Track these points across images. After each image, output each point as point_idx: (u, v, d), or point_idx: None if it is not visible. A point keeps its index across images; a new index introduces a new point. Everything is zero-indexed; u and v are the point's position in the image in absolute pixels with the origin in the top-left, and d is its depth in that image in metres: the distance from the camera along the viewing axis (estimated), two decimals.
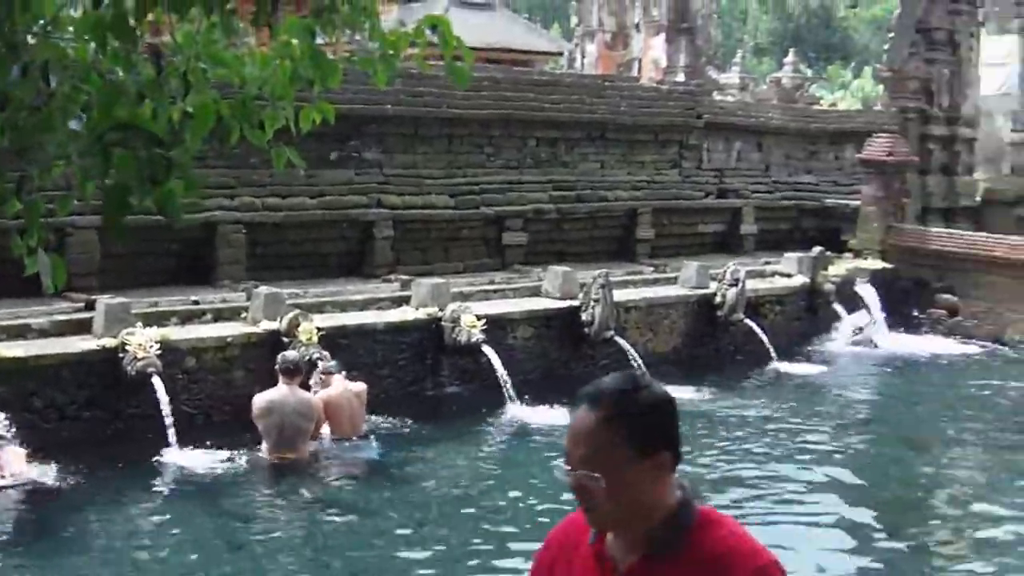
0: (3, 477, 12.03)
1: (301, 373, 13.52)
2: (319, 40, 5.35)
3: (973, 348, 21.91)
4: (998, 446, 15.81)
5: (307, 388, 13.73)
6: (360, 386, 14.23)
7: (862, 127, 27.48)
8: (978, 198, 29.32)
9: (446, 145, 20.73)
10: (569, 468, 3.22)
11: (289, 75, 5.44)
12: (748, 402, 17.46)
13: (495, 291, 18.17)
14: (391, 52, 5.54)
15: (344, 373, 14.16)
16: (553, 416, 15.60)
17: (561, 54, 43.11)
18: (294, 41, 5.44)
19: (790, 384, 18.78)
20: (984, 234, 24.78)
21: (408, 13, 33.77)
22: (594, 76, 28.44)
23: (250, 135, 5.30)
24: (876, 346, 21.29)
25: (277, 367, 13.37)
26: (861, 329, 21.35)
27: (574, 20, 42.62)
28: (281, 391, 13.21)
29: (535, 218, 21.25)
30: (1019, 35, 31.97)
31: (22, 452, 12.32)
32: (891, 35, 29.06)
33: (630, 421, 3.18)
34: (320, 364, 14.20)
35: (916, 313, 23.24)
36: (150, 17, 4.74)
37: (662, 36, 35.95)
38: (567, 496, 10.71)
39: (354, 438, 13.98)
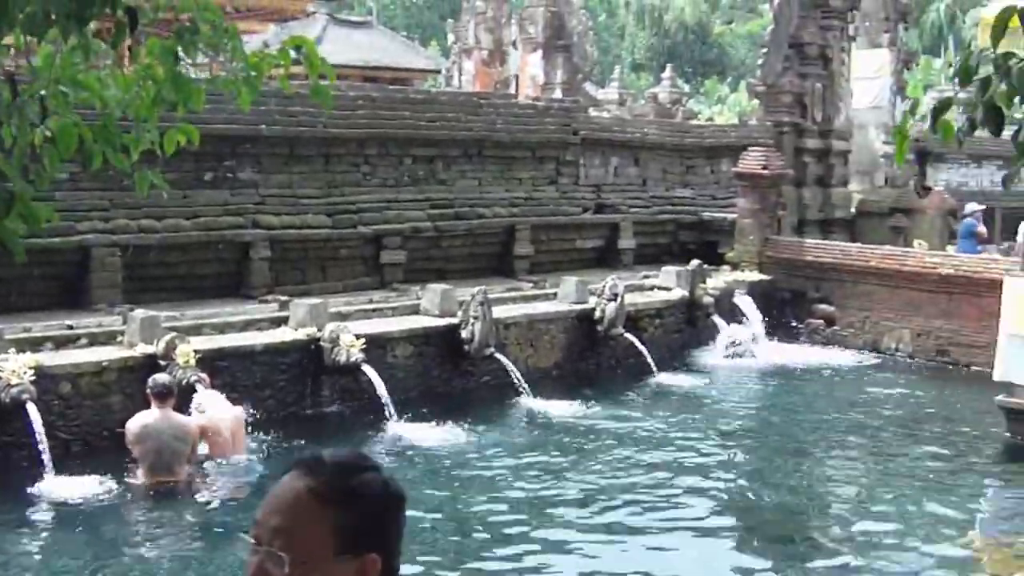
0: None
1: (173, 395, 13.36)
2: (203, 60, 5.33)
3: (850, 357, 22.23)
4: (876, 453, 16.08)
5: (184, 411, 13.60)
6: (238, 409, 14.12)
7: (737, 141, 27.76)
8: (853, 209, 29.77)
9: (322, 164, 20.65)
10: (255, 542, 2.59)
11: (152, 97, 5.40)
12: (630, 415, 17.56)
13: (374, 310, 18.11)
14: (254, 74, 5.52)
15: (223, 396, 14.06)
16: (435, 434, 15.63)
17: (439, 72, 43.18)
18: (156, 63, 5.40)
19: (671, 396, 18.92)
20: (859, 244, 25.17)
21: (286, 32, 33.62)
22: (470, 93, 28.47)
23: (113, 158, 5.25)
24: (755, 357, 21.51)
25: (149, 390, 13.23)
26: (738, 343, 21.54)
27: (451, 38, 42.65)
28: (154, 415, 13.07)
29: (413, 236, 21.21)
30: (889, 49, 32.54)
31: None
32: (764, 50, 29.42)
33: (344, 503, 2.62)
34: (199, 387, 14.08)
35: (794, 323, 23.54)
36: (7, 40, 4.68)
37: (539, 53, 36.11)
38: (445, 511, 10.65)
39: (234, 460, 13.86)
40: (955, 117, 4.50)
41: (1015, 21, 4.19)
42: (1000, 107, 4.22)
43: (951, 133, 4.43)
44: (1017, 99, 4.22)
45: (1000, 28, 4.16)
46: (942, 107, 4.43)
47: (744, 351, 21.49)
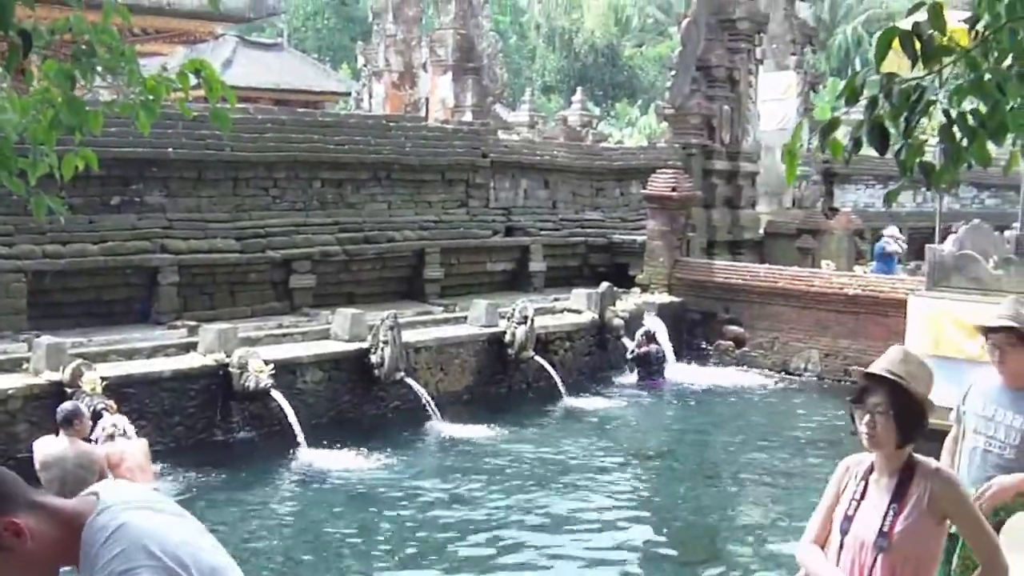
0: None
1: (80, 423, 13.15)
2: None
3: (760, 378, 22.37)
4: (785, 473, 16.16)
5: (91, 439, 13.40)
6: (141, 440, 13.93)
7: (647, 163, 27.91)
8: (761, 231, 30.04)
9: (231, 188, 20.52)
10: None
11: (49, 121, 5.32)
12: (541, 438, 17.57)
13: (283, 335, 17.99)
14: (152, 98, 5.46)
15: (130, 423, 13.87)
16: (345, 459, 15.55)
17: (349, 94, 43.09)
18: (53, 86, 5.32)
19: (582, 419, 18.94)
20: (767, 265, 25.37)
21: (196, 54, 33.31)
22: (379, 116, 28.41)
23: (9, 183, 5.17)
24: (665, 379, 21.57)
25: (57, 419, 13.04)
26: (650, 362, 21.58)
27: (361, 60, 42.56)
28: (61, 443, 12.84)
29: (322, 260, 21.12)
30: (796, 71, 32.90)
31: None
32: (672, 73, 29.61)
33: None
34: (105, 415, 13.88)
35: (704, 345, 23.68)
36: None
37: (449, 76, 36.18)
38: (356, 536, 10.59)
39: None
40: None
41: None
42: (885, 126, 4.26)
43: (839, 152, 4.48)
44: (901, 119, 4.27)
45: (883, 49, 4.20)
46: (830, 127, 4.48)
47: (655, 373, 21.52)
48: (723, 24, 29.50)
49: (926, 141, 4.58)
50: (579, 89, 50.56)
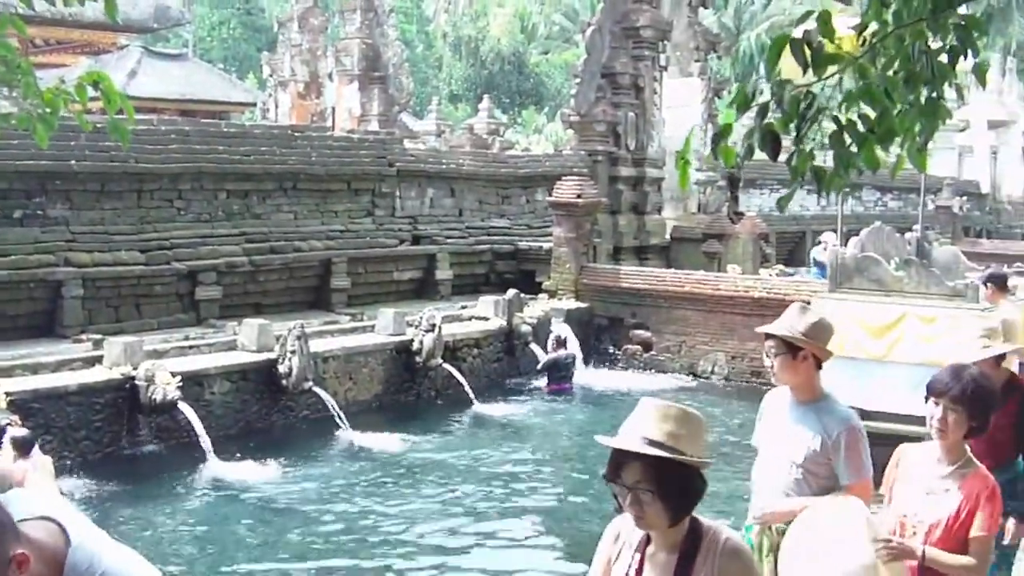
0: None
1: None
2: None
3: (668, 381, 22.53)
4: None
5: None
6: (45, 459, 13.79)
7: (552, 170, 28.00)
8: (667, 236, 30.27)
9: (135, 200, 20.34)
10: None
11: None
12: (450, 445, 17.60)
13: (190, 347, 17.86)
14: (49, 111, 5.44)
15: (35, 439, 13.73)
16: (254, 470, 15.50)
17: (255, 104, 42.86)
18: None
19: (491, 425, 19.01)
20: (673, 270, 25.60)
21: (100, 66, 33.09)
22: (284, 126, 28.33)
23: None
24: (573, 384, 21.67)
25: None
26: (559, 367, 21.66)
27: (267, 70, 42.38)
28: None
29: (228, 271, 21.00)
30: (700, 78, 33.19)
31: None
32: (578, 80, 29.77)
33: None
34: (9, 430, 13.73)
35: (612, 349, 23.82)
36: None
37: (355, 85, 36.14)
38: (265, 547, 10.56)
39: None
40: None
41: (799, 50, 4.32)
42: (776, 133, 4.34)
43: (731, 158, 4.55)
44: (792, 125, 4.34)
45: (774, 57, 4.28)
46: (722, 133, 4.54)
47: (563, 378, 21.61)
48: (627, 32, 29.73)
49: (815, 147, 4.66)
50: (486, 97, 50.68)
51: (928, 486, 5.76)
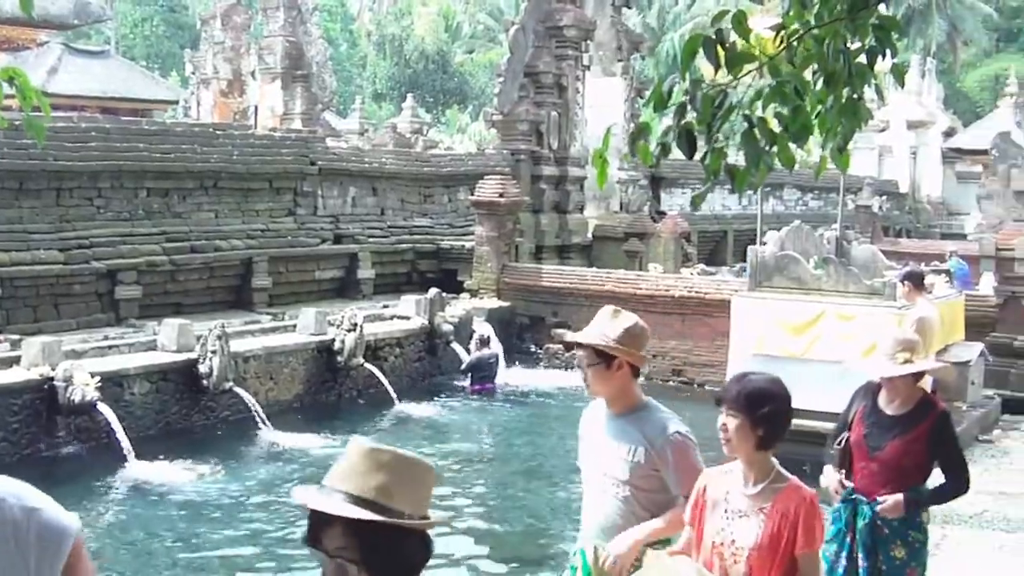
0: None
1: None
2: None
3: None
4: None
5: None
6: None
7: (475, 169, 28.04)
8: (589, 235, 30.37)
9: (54, 199, 20.12)
10: None
11: None
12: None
13: (109, 347, 17.67)
14: None
15: None
16: (174, 471, 15.38)
17: (177, 102, 42.59)
18: None
19: (413, 425, 18.99)
20: (595, 269, 25.69)
21: (19, 62, 32.73)
22: (206, 125, 28.16)
23: None
24: (496, 384, 21.66)
25: None
26: (482, 367, 21.65)
27: (190, 68, 42.16)
28: None
29: (148, 270, 20.81)
30: (623, 78, 33.33)
31: None
32: (501, 79, 29.81)
33: None
34: None
35: (534, 348, 23.87)
36: None
37: (278, 83, 35.98)
38: (185, 548, 10.47)
39: None
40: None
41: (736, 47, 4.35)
42: (692, 131, 4.36)
43: (648, 157, 4.56)
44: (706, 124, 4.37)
45: (688, 56, 4.30)
46: (638, 132, 4.56)
47: (486, 377, 21.61)
48: (551, 31, 29.81)
49: (729, 146, 4.68)
50: (409, 96, 50.74)
51: (739, 508, 5.25)
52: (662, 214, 32.17)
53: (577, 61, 30.82)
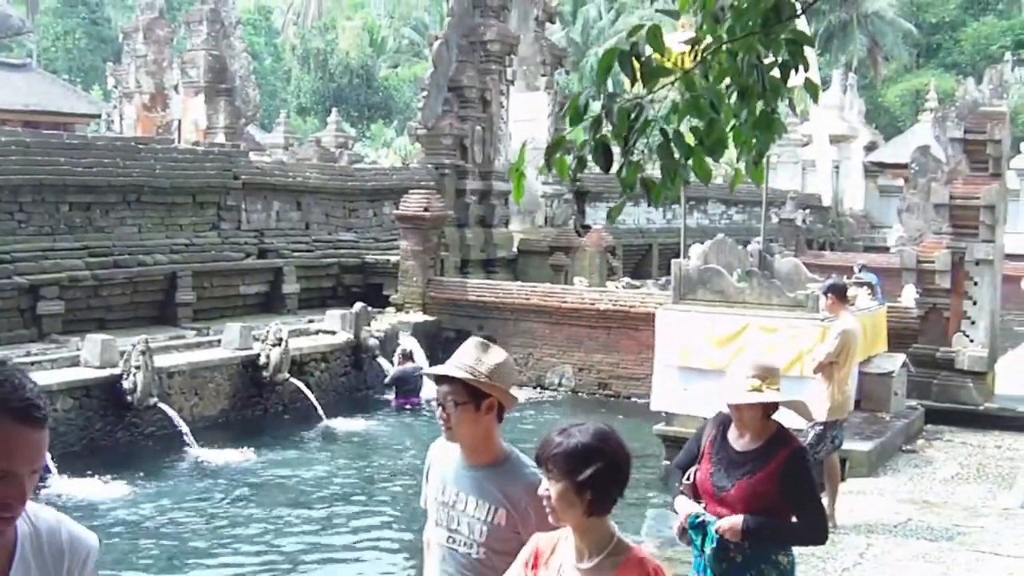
0: None
1: None
2: None
3: (516, 393, 22.57)
4: None
5: None
6: None
7: (400, 183, 28.07)
8: (515, 249, 30.45)
9: None
10: None
11: None
12: (298, 460, 17.54)
13: (32, 363, 17.49)
14: None
15: None
16: (98, 489, 15.27)
17: (99, 116, 42.33)
18: None
19: (339, 439, 19.00)
20: (520, 283, 25.76)
21: None
22: (128, 138, 28.00)
23: None
24: (421, 398, 21.61)
25: None
26: (407, 381, 21.61)
27: (112, 81, 41.86)
28: None
29: (71, 285, 20.65)
30: (547, 92, 33.44)
31: None
32: (424, 94, 29.84)
33: None
34: None
35: None
36: None
37: (201, 97, 35.81)
38: (113, 570, 10.38)
39: None
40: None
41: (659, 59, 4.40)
42: (608, 145, 4.39)
43: (565, 170, 4.58)
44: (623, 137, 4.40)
45: (604, 70, 4.35)
46: (554, 146, 4.59)
47: (411, 391, 21.58)
48: (474, 45, 29.90)
49: (645, 159, 4.72)
50: (334, 110, 50.71)
51: None
52: (587, 228, 32.30)
53: (501, 75, 30.92)
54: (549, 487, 4.18)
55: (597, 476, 4.12)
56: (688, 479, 6.66)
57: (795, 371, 14.96)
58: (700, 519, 6.42)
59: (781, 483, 6.24)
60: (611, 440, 4.23)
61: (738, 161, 5.02)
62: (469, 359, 4.94)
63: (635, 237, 37.66)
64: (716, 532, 6.29)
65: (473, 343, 5.04)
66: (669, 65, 4.58)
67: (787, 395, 6.58)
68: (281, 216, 26.04)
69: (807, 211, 46.58)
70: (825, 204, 51.32)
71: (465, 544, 4.97)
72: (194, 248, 23.43)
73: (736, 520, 6.24)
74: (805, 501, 6.37)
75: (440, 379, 4.98)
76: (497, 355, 5.02)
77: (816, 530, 6.46)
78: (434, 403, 5.12)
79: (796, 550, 6.64)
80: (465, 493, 4.98)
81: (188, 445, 17.37)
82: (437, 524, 5.12)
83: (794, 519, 6.36)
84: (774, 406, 6.42)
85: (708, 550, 6.34)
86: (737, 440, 6.44)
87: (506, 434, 5.14)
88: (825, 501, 11.25)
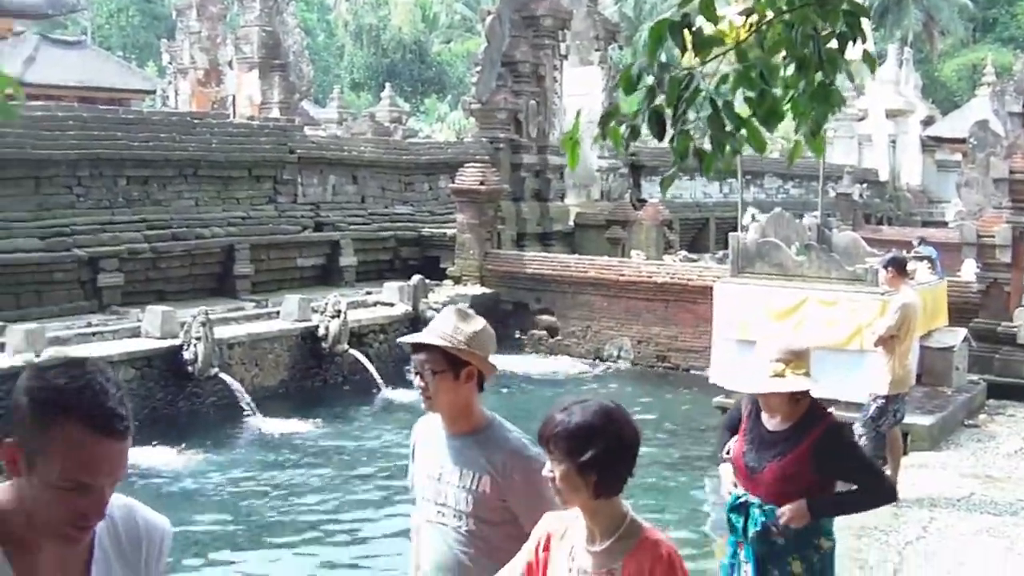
0: None
1: None
2: None
3: (574, 366, 22.65)
4: None
5: None
6: None
7: (455, 158, 28.09)
8: (571, 222, 30.38)
9: (33, 187, 20.12)
10: None
11: None
12: (358, 430, 17.64)
13: (93, 334, 17.67)
14: None
15: None
16: (160, 457, 15.34)
17: (154, 92, 42.48)
18: None
19: (399, 410, 18.99)
20: (577, 256, 25.70)
21: None
22: (184, 113, 28.13)
23: None
24: None
25: None
26: None
27: (167, 58, 41.98)
28: None
29: (130, 258, 20.84)
30: (600, 67, 33.32)
31: None
32: (478, 68, 29.79)
33: None
34: None
35: (518, 335, 23.87)
36: None
37: (255, 73, 35.85)
38: (179, 538, 10.44)
39: None
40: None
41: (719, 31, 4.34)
42: (662, 114, 4.33)
43: (619, 140, 4.53)
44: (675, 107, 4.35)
45: (655, 40, 4.28)
46: (608, 116, 4.53)
47: None
48: (527, 20, 29.84)
49: (696, 129, 4.66)
50: (388, 85, 50.64)
51: (584, 568, 4.04)
52: (642, 202, 32.17)
53: (554, 50, 30.86)
54: (552, 468, 3.97)
55: (601, 457, 3.89)
56: (727, 452, 6.59)
57: (854, 345, 14.90)
58: (741, 500, 6.29)
59: (816, 462, 6.10)
60: (616, 417, 4.00)
61: (796, 133, 4.97)
62: (447, 327, 4.79)
63: (692, 211, 37.54)
64: (782, 523, 6.11)
65: (451, 311, 4.91)
66: (720, 35, 4.54)
67: (809, 381, 6.22)
68: (337, 190, 26.11)
69: (864, 185, 46.18)
70: (882, 179, 50.91)
71: (454, 516, 4.83)
72: (251, 221, 23.55)
73: (799, 506, 6.08)
74: (855, 470, 6.26)
75: (417, 347, 4.82)
76: (476, 323, 4.87)
77: (881, 491, 6.39)
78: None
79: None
80: (450, 464, 4.85)
81: (248, 415, 17.47)
82: (424, 500, 4.98)
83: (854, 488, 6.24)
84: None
85: (752, 533, 6.18)
86: (769, 419, 6.30)
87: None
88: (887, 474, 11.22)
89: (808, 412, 6.20)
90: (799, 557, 6.17)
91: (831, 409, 6.45)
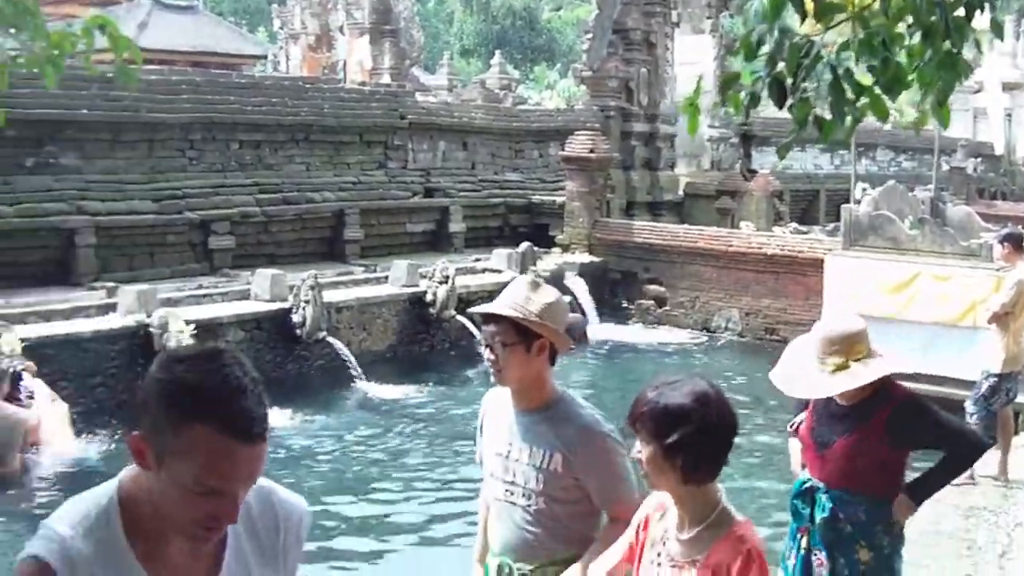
0: None
1: (2, 385, 13.02)
2: None
3: (682, 336, 22.56)
4: None
5: (14, 400, 13.24)
6: (62, 406, 13.78)
7: (565, 125, 28.02)
8: (681, 192, 30.22)
9: (147, 150, 20.37)
10: None
11: None
12: (465, 396, 17.60)
13: (204, 295, 17.87)
14: (56, 53, 5.36)
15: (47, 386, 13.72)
16: (271, 418, 15.40)
17: (265, 57, 42.79)
18: None
19: None
20: (687, 226, 25.55)
21: (110, 16, 32.89)
22: (296, 78, 28.29)
23: None
24: (587, 338, 21.60)
25: None
26: (570, 335, 21.55)
27: (277, 23, 42.28)
28: None
29: (242, 221, 21.02)
30: (711, 35, 33.05)
31: None
32: (589, 36, 29.68)
33: None
34: (24, 376, 13.71)
35: (625, 304, 23.79)
36: None
37: (366, 38, 36.01)
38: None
39: (64, 449, 13.55)
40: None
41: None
42: (783, 82, 4.26)
43: (739, 106, 4.48)
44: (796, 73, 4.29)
45: (775, 6, 4.21)
46: (728, 81, 4.47)
47: (577, 332, 21.55)
48: None
49: (815, 97, 4.60)
50: (497, 52, 50.56)
51: (672, 556, 3.93)
52: (753, 172, 31.88)
53: (666, 18, 30.68)
54: (640, 449, 3.84)
55: (688, 440, 3.72)
56: (793, 427, 6.44)
57: (968, 321, 14.69)
58: (807, 485, 6.06)
59: (891, 436, 5.82)
60: (709, 400, 3.81)
61: (922, 102, 4.85)
62: (519, 297, 4.59)
63: (802, 183, 37.18)
64: (901, 521, 5.97)
65: (523, 280, 4.72)
66: (844, 3, 4.47)
67: (881, 363, 5.80)
68: (447, 156, 26.15)
69: (978, 159, 45.46)
70: (997, 152, 50.08)
71: (524, 495, 4.66)
72: (361, 186, 23.66)
73: (901, 503, 5.90)
74: (938, 437, 5.99)
75: (488, 319, 4.63)
76: (549, 293, 4.67)
77: (969, 447, 6.13)
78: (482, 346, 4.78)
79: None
80: (519, 441, 4.68)
81: (356, 378, 17.56)
82: (493, 477, 4.82)
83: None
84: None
85: (819, 519, 5.95)
86: (841, 394, 5.93)
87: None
88: (998, 455, 11.03)
89: (881, 386, 5.87)
90: (867, 544, 5.93)
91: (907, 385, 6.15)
